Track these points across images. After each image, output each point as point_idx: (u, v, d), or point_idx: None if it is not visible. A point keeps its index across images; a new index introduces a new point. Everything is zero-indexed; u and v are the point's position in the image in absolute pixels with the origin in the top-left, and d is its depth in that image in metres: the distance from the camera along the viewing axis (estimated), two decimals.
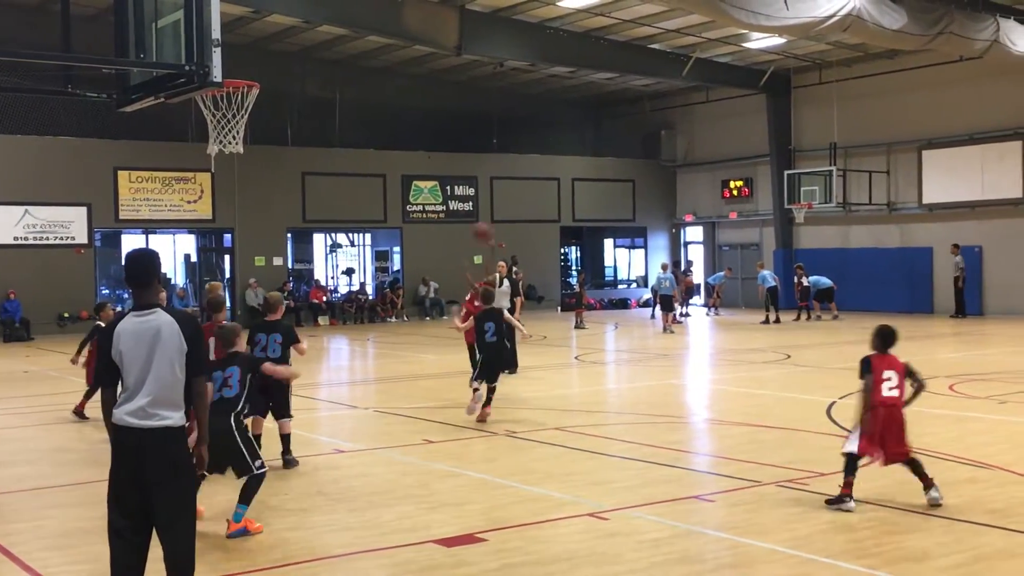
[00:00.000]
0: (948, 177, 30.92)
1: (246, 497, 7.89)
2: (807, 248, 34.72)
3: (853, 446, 8.33)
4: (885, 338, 8.55)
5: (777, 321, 29.18)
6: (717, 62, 32.99)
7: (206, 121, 13.38)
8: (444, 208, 35.24)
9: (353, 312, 33.25)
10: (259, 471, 7.98)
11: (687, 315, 32.11)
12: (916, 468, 8.34)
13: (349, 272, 35.95)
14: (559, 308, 36.29)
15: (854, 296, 31.85)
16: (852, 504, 8.15)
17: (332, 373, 19.89)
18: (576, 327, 28.44)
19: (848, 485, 8.22)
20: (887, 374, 8.41)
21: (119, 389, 5.48)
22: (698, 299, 37.12)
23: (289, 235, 33.50)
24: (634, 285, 40.42)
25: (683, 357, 22.13)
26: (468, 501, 8.78)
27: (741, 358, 20.56)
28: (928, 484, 8.26)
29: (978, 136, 30.20)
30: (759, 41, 30.20)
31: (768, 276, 30.33)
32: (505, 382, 14.76)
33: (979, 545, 7.19)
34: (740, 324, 29.65)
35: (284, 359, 10.23)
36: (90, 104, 8.42)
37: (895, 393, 8.38)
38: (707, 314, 33.36)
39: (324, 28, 29.26)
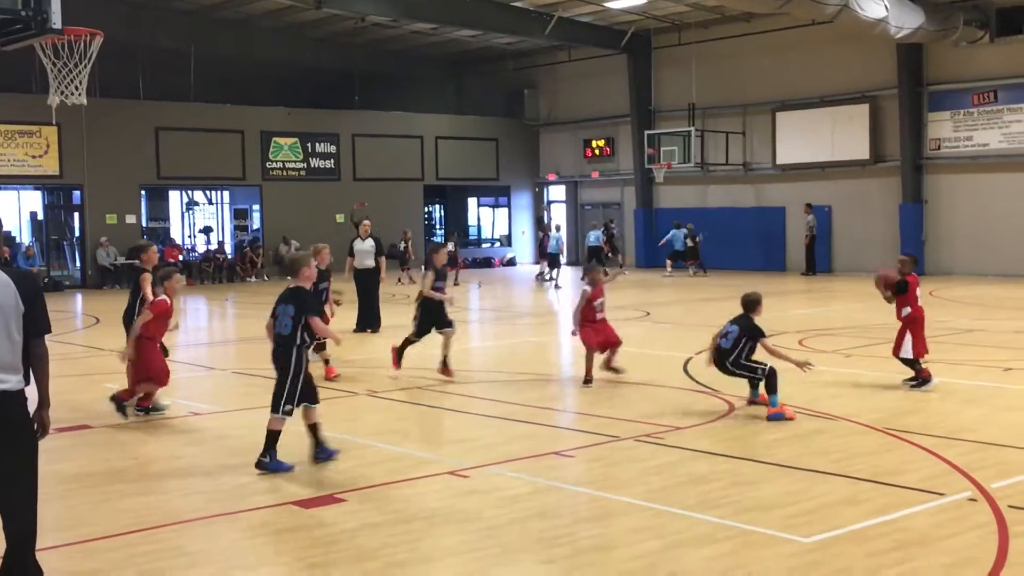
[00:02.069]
0: (800, 139, 31.92)
1: (770, 388, 10.03)
2: (667, 207, 35.39)
3: (909, 352, 11.30)
4: (916, 263, 11.97)
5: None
6: (579, 22, 33.15)
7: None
8: (305, 165, 34.63)
9: (211, 272, 32.46)
10: (761, 374, 10.17)
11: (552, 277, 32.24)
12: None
13: (207, 231, 35.03)
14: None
15: (711, 254, 32.65)
16: (936, 380, 11.31)
17: (190, 334, 19.36)
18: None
19: (925, 371, 11.34)
20: (918, 291, 11.48)
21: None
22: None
23: (143, 192, 32.41)
24: (498, 244, 40.56)
25: (546, 316, 22.34)
26: (327, 462, 8.67)
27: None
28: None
29: (828, 99, 31.20)
30: (620, 1, 30.44)
31: (592, 236, 31.31)
32: (368, 341, 14.67)
33: (823, 493, 7.48)
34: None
35: (302, 336, 8.50)
36: None
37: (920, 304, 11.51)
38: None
39: None
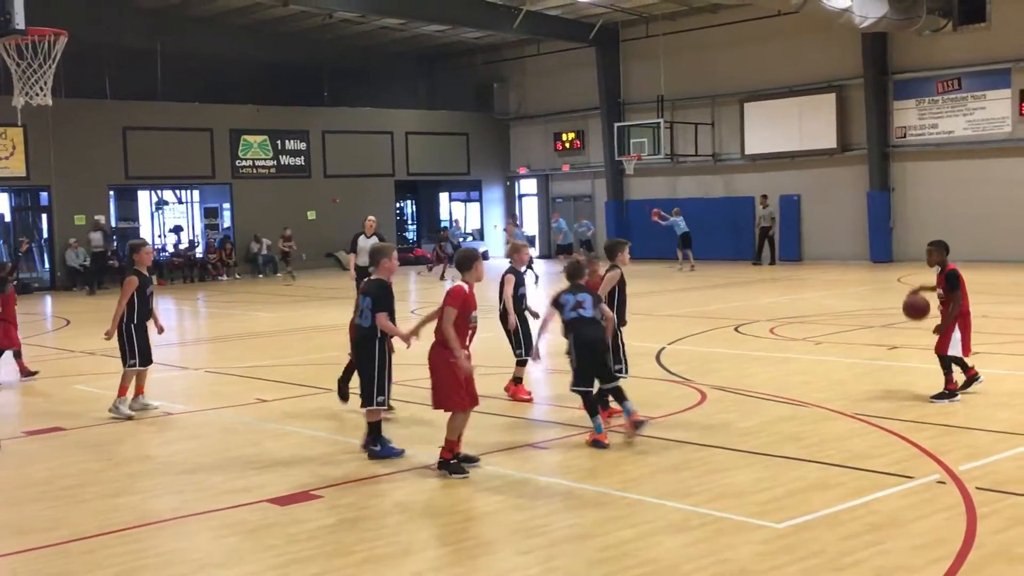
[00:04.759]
0: (768, 129, 32.08)
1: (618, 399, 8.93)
2: (638, 199, 35.49)
3: (958, 350, 10.03)
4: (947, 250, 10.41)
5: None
6: (547, 15, 33.17)
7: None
8: (275, 163, 34.48)
9: (182, 271, 32.29)
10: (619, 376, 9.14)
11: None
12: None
13: (177, 230, 34.83)
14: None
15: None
16: (981, 378, 10.26)
17: (162, 334, 19.25)
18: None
19: (954, 382, 10.07)
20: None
21: None
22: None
23: (111, 193, 32.17)
24: (470, 238, 40.51)
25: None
26: (302, 459, 8.68)
27: None
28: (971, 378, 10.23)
29: (796, 89, 31.38)
30: None
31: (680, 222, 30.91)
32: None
33: (795, 479, 7.56)
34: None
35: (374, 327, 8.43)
36: None
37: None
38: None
39: None
